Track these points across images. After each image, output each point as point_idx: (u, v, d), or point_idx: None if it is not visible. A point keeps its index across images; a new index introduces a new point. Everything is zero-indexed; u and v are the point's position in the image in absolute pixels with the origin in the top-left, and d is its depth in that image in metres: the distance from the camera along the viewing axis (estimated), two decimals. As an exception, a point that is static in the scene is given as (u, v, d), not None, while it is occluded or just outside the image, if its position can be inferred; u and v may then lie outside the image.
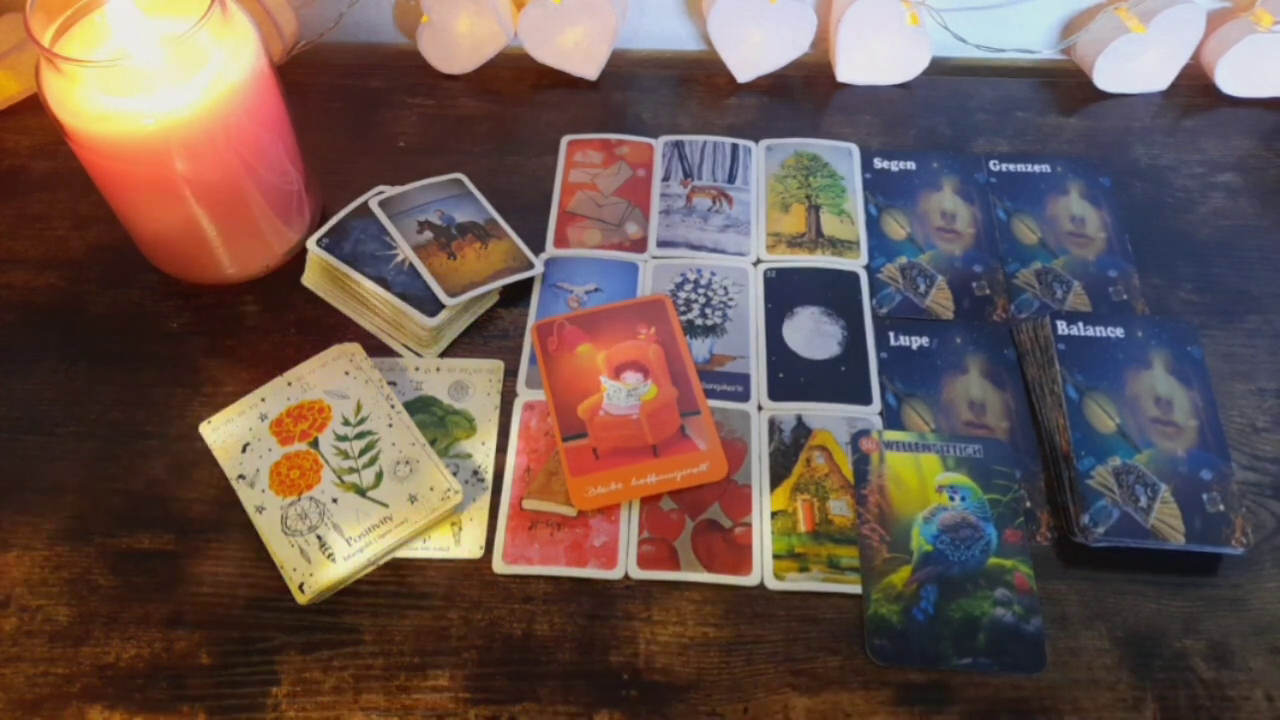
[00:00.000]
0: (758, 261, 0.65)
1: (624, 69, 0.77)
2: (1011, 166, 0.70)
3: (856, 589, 0.51)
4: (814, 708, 0.48)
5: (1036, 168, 0.70)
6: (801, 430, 0.57)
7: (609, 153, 0.71)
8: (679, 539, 0.53)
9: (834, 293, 0.63)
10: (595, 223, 0.67)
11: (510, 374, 0.59)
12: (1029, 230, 0.66)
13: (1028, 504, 0.54)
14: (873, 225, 0.67)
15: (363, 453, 0.54)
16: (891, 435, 0.56)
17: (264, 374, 0.57)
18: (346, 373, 0.57)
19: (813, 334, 0.61)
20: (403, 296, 0.58)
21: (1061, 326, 0.57)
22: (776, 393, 0.58)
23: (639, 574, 0.52)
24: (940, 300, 0.63)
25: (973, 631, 0.49)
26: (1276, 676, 0.49)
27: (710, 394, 0.58)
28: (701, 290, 0.63)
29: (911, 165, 0.70)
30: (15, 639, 0.49)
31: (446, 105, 0.75)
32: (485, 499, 0.54)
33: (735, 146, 0.71)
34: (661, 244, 0.65)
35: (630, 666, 0.49)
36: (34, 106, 0.72)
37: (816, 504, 0.54)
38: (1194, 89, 0.76)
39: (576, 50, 0.74)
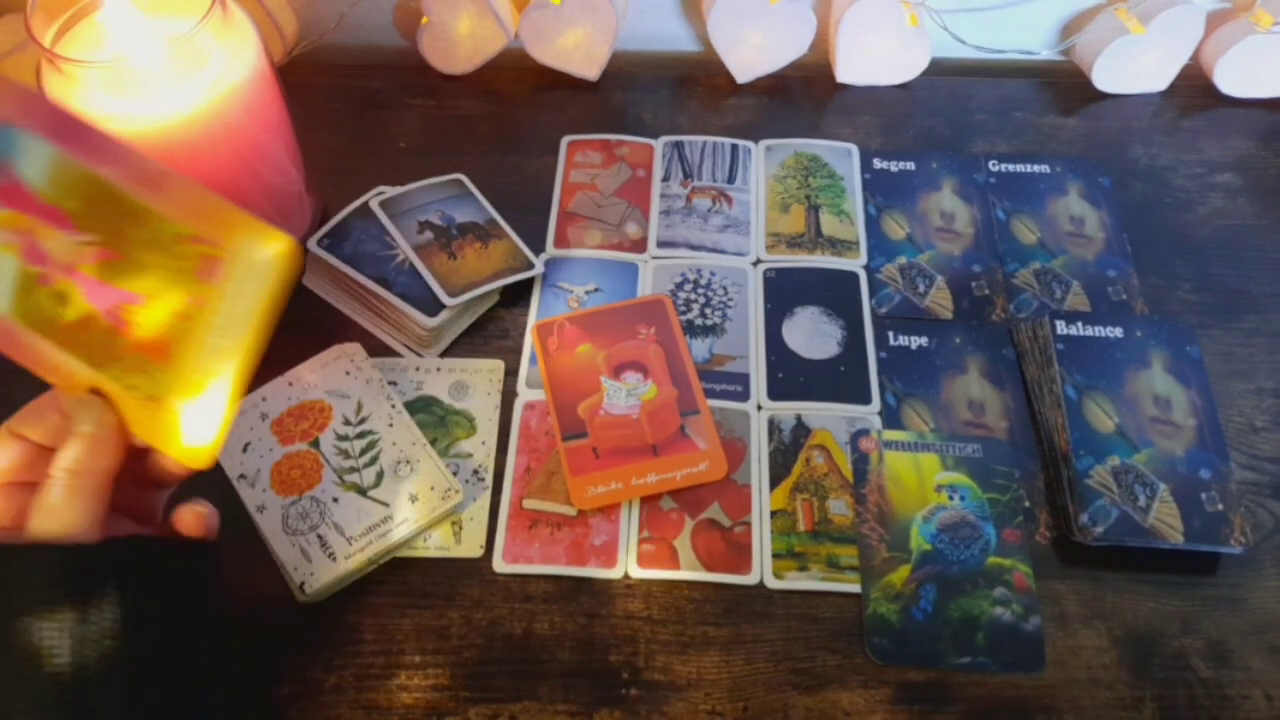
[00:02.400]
0: (757, 261, 0.65)
1: (624, 70, 0.77)
2: (1011, 167, 0.70)
3: (856, 588, 0.51)
4: (813, 707, 0.48)
5: (1036, 168, 0.70)
6: (801, 430, 0.57)
7: (609, 153, 0.71)
8: (679, 538, 0.53)
9: (833, 293, 0.63)
10: (595, 223, 0.67)
11: (510, 374, 0.59)
12: (1028, 230, 0.66)
13: (1027, 503, 0.54)
14: (872, 225, 0.67)
15: (363, 452, 0.54)
16: (891, 435, 0.56)
17: (264, 374, 0.57)
18: (347, 373, 0.57)
19: (812, 334, 0.61)
20: (403, 296, 0.59)
21: (1060, 326, 0.57)
22: (776, 392, 0.58)
23: (639, 573, 0.52)
24: (939, 300, 0.63)
25: (972, 631, 0.50)
26: (1275, 676, 0.49)
27: (710, 394, 0.58)
28: (701, 290, 0.63)
29: (911, 165, 0.70)
30: (16, 638, 0.49)
31: (447, 106, 0.75)
32: (485, 499, 0.54)
33: (735, 147, 0.71)
34: (661, 244, 0.66)
35: (630, 665, 0.49)
36: (35, 107, 0.72)
37: (816, 503, 0.54)
38: (1193, 89, 0.76)
39: (577, 51, 0.75)
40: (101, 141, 0.35)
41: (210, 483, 0.54)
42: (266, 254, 0.36)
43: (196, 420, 0.36)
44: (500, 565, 0.52)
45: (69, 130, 0.35)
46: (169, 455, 0.37)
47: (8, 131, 0.34)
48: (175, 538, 0.41)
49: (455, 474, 0.55)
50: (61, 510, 0.35)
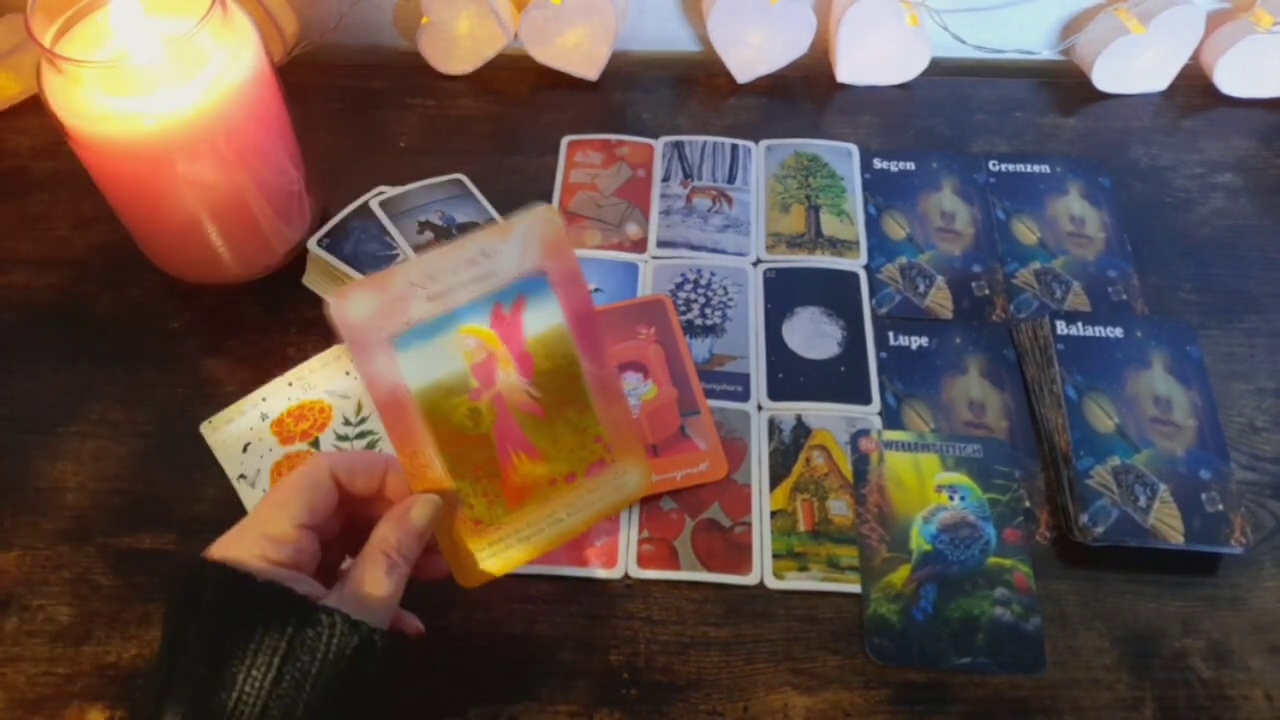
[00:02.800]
0: (757, 261, 0.65)
1: (624, 70, 0.77)
2: (1011, 167, 0.70)
3: (856, 588, 0.51)
4: (814, 707, 0.48)
5: (1036, 168, 0.70)
6: (801, 430, 0.57)
7: (609, 153, 0.71)
8: (679, 538, 0.53)
9: (834, 293, 0.63)
10: (595, 223, 0.67)
11: (510, 374, 0.59)
12: (1028, 230, 0.66)
13: (1027, 504, 0.54)
14: (872, 225, 0.67)
15: (363, 453, 0.54)
16: (891, 435, 0.56)
17: (264, 374, 0.57)
18: (347, 372, 0.57)
19: (812, 334, 0.61)
20: (403, 296, 0.59)
21: (1061, 326, 0.57)
22: (776, 392, 0.58)
23: (639, 573, 0.52)
24: (940, 300, 0.63)
25: (972, 631, 0.49)
26: (1276, 676, 0.49)
27: (710, 394, 0.58)
28: (701, 290, 0.63)
29: (911, 165, 0.70)
30: (16, 638, 0.49)
31: (447, 106, 0.75)
32: (485, 499, 0.54)
33: (735, 147, 0.71)
34: (661, 244, 0.66)
35: (630, 666, 0.49)
36: (35, 107, 0.72)
37: (816, 503, 0.54)
38: (1194, 89, 0.76)
39: (577, 51, 0.75)
40: (598, 341, 0.42)
41: (209, 482, 0.54)
42: (638, 480, 0.45)
43: (495, 555, 0.43)
44: (500, 565, 0.52)
45: (584, 316, 0.41)
46: (445, 562, 0.42)
47: (544, 282, 0.40)
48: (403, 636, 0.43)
49: (455, 474, 0.54)
50: (380, 588, 0.38)
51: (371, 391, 0.38)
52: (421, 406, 0.39)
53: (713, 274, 0.64)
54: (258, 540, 0.37)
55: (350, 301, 0.37)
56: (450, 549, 0.42)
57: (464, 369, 0.39)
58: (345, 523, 0.41)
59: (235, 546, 0.37)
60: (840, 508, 0.54)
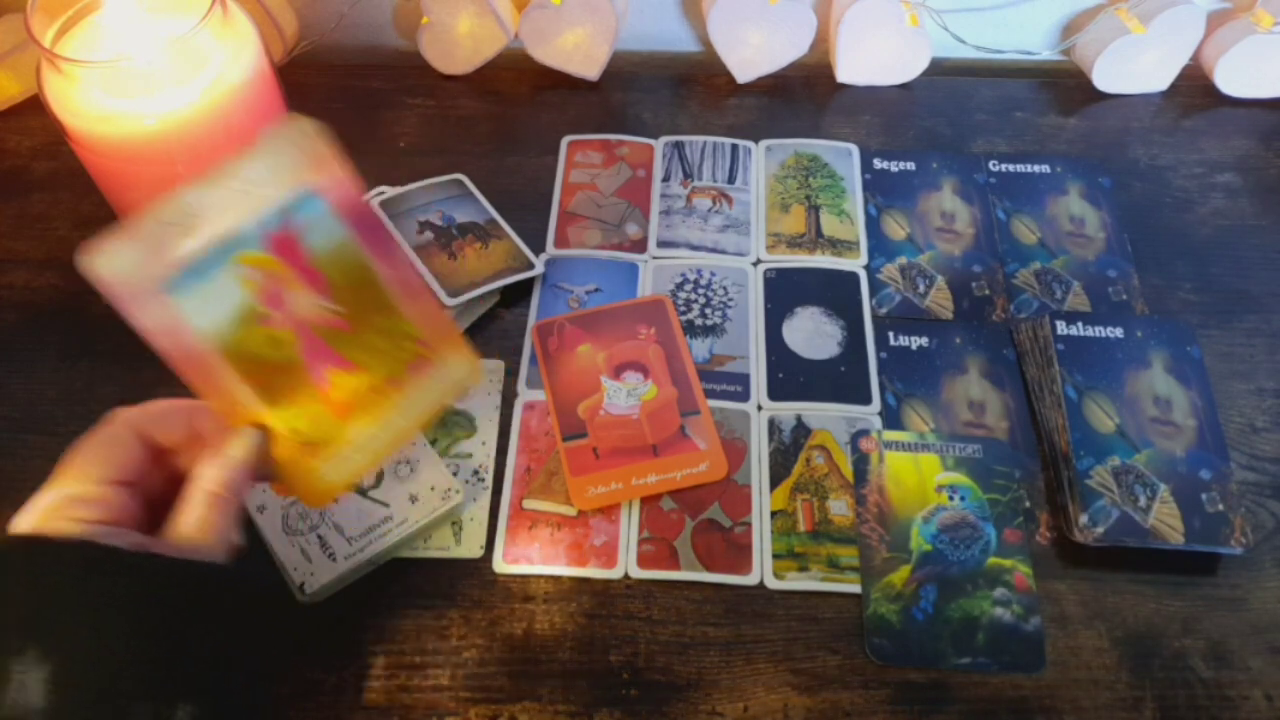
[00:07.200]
0: (758, 262, 0.65)
1: (624, 70, 0.77)
2: (1011, 167, 0.70)
3: (856, 588, 0.51)
4: (813, 707, 0.48)
5: (1036, 168, 0.70)
6: (801, 430, 0.57)
7: (609, 153, 0.71)
8: (679, 539, 0.53)
9: (834, 293, 0.63)
10: (595, 223, 0.67)
11: (511, 374, 0.59)
12: (1028, 230, 0.66)
13: (1027, 504, 0.54)
14: (872, 225, 0.67)
15: (363, 452, 0.54)
16: (891, 435, 0.56)
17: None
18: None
19: (812, 334, 0.61)
20: (403, 296, 0.59)
21: (1061, 326, 0.57)
22: (776, 393, 0.58)
23: (639, 573, 0.52)
24: (940, 300, 0.63)
25: (972, 631, 0.49)
26: (1276, 676, 0.49)
27: (710, 394, 0.58)
28: (701, 290, 0.63)
29: (911, 165, 0.70)
30: (16, 638, 0.49)
31: (447, 106, 0.75)
32: (485, 499, 0.54)
33: (735, 147, 0.71)
34: (661, 244, 0.66)
35: (630, 666, 0.49)
36: (35, 107, 0.72)
37: (816, 504, 0.54)
38: (1194, 89, 0.76)
39: (577, 51, 0.75)
40: (387, 244, 0.42)
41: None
42: (462, 371, 0.45)
43: (336, 469, 0.42)
44: (500, 565, 0.52)
45: (367, 224, 0.41)
46: (291, 489, 0.42)
47: (314, 198, 0.40)
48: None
49: (455, 474, 0.55)
50: (206, 527, 0.37)
51: (154, 344, 0.37)
52: (216, 346, 0.38)
53: (713, 274, 0.64)
54: (63, 504, 0.36)
55: (105, 255, 0.36)
56: (286, 478, 0.41)
57: (248, 299, 0.38)
58: (170, 477, 0.40)
59: (40, 515, 0.36)
60: (840, 508, 0.54)
